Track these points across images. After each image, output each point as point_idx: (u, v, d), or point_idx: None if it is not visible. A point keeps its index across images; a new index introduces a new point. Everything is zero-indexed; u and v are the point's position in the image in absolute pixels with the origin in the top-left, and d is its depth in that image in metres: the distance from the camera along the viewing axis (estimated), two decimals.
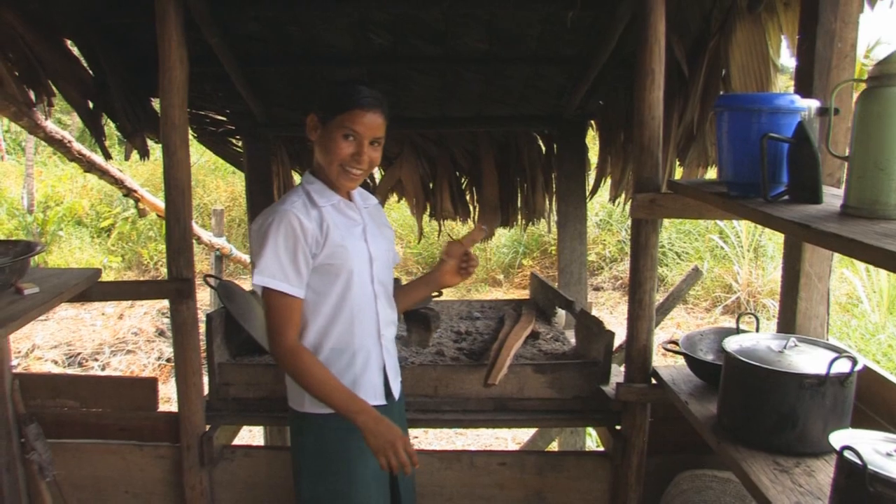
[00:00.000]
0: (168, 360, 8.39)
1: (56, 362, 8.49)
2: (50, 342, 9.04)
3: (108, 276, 11.72)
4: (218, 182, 14.26)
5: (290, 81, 3.96)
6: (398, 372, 2.51)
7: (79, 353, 8.69)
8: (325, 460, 2.31)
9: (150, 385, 3.00)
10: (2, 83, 3.50)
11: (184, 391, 2.83)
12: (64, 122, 15.68)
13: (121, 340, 9.07)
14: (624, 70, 3.71)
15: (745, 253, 10.27)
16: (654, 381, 2.75)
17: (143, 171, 13.65)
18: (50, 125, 4.48)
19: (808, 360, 2.04)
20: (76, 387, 3.03)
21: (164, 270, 11.86)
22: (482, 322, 3.71)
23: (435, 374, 2.91)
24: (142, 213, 7.28)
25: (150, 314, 9.65)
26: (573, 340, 3.39)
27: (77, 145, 4.98)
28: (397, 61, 3.77)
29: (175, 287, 2.73)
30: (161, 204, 6.09)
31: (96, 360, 8.56)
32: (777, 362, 2.04)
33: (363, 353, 2.33)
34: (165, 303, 9.54)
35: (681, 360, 2.67)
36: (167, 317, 9.39)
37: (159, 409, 3.05)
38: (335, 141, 2.23)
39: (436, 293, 3.83)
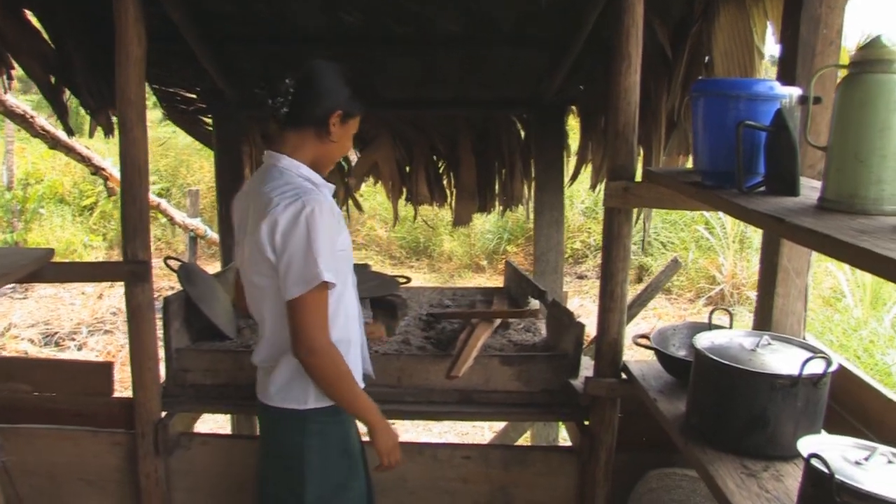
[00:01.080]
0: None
1: (32, 341, 8.35)
2: (27, 321, 8.90)
3: (90, 256, 11.60)
4: (202, 162, 14.06)
5: (261, 61, 3.84)
6: None
7: (56, 333, 8.55)
8: (329, 456, 2.23)
9: (105, 370, 2.90)
10: None
11: (139, 377, 2.73)
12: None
13: (99, 320, 8.95)
14: (604, 54, 3.61)
15: (731, 244, 10.21)
16: (624, 376, 2.66)
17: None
18: (10, 99, 4.34)
19: (780, 360, 1.96)
20: (30, 371, 2.92)
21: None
22: (454, 310, 3.62)
23: (398, 364, 2.82)
24: (111, 193, 7.15)
25: None
26: (541, 329, 3.32)
27: (41, 121, 4.82)
28: (371, 42, 3.65)
29: (130, 269, 2.61)
30: None
31: (73, 339, 8.43)
32: (748, 361, 1.96)
33: (354, 340, 2.29)
34: (162, 282, 9.47)
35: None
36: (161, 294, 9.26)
37: (116, 395, 2.95)
38: (348, 139, 2.24)
39: (404, 279, 3.76)
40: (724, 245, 10.29)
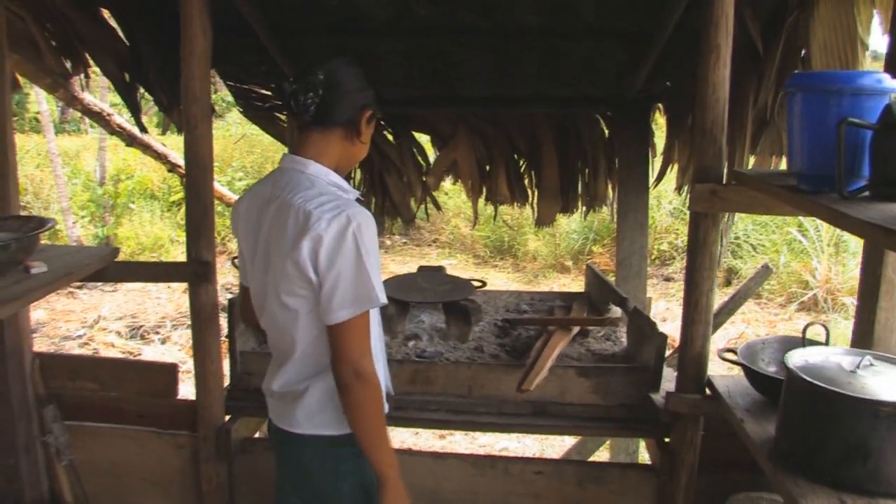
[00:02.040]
0: (227, 338, 8.35)
1: (119, 334, 8.54)
2: (116, 314, 9.11)
3: (177, 251, 11.84)
4: None
5: (333, 55, 3.75)
6: None
7: (141, 326, 8.73)
8: (363, 482, 2.07)
9: (170, 371, 2.86)
10: (39, 53, 3.39)
11: (202, 380, 2.68)
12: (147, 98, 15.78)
13: (183, 315, 9.07)
14: (691, 47, 3.40)
15: (825, 247, 9.77)
16: (708, 392, 2.48)
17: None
18: (88, 97, 4.38)
19: (885, 384, 1.76)
20: (96, 369, 2.91)
21: (231, 246, 11.90)
22: (530, 317, 3.47)
23: (469, 373, 2.70)
24: None
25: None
26: (621, 337, 3.16)
27: (118, 118, 4.87)
28: (444, 35, 3.52)
29: (193, 270, 2.56)
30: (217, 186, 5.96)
31: (157, 333, 8.58)
32: (848, 384, 1.77)
33: (380, 357, 2.14)
34: (231, 278, 9.60)
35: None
36: (232, 292, 9.37)
37: (180, 396, 2.92)
38: (367, 142, 2.12)
39: (480, 283, 3.62)
40: (817, 248, 9.85)
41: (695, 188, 2.34)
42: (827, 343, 2.20)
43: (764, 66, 3.08)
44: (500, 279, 11.13)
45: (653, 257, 11.10)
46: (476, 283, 3.50)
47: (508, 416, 2.69)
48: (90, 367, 2.94)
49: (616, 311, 3.44)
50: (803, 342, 2.19)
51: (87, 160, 14.18)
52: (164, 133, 4.01)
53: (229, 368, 2.81)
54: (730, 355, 2.41)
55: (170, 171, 6.55)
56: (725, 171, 2.40)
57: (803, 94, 1.85)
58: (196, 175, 2.54)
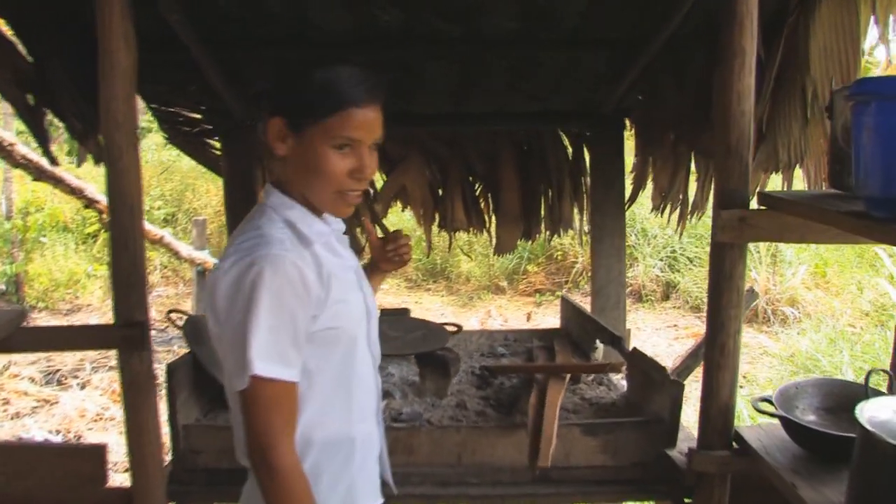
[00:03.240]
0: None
1: (33, 380, 7.89)
2: (28, 357, 8.41)
3: (94, 285, 11.25)
4: (209, 186, 13.56)
5: (274, 72, 3.31)
6: None
7: (58, 370, 8.11)
8: None
9: (96, 455, 2.35)
10: None
11: (139, 463, 2.19)
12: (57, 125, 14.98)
13: (103, 355, 8.47)
14: (674, 55, 3.10)
15: (763, 259, 9.77)
16: (735, 445, 2.15)
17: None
18: None
19: None
20: (2, 457, 2.39)
21: (152, 279, 11.29)
22: (508, 360, 3.11)
23: (458, 439, 2.31)
24: (107, 227, 6.64)
25: None
26: (615, 380, 2.82)
27: (22, 149, 4.30)
28: (409, 45, 3.13)
29: (122, 335, 2.08)
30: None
31: (76, 377, 7.97)
32: None
33: (362, 440, 1.73)
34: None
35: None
36: (155, 329, 8.75)
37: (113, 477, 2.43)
38: (325, 158, 1.58)
39: (455, 327, 3.22)
40: (755, 260, 9.85)
41: (720, 215, 2.02)
42: (891, 391, 1.89)
43: (764, 74, 2.80)
44: (434, 303, 10.83)
45: (581, 279, 10.91)
46: (451, 329, 3.09)
47: (505, 485, 2.31)
48: None
49: (600, 350, 3.10)
50: (866, 393, 1.87)
51: None
52: (79, 165, 3.48)
53: (171, 445, 2.35)
54: (765, 406, 2.08)
55: (86, 207, 5.94)
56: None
57: (880, 103, 1.52)
58: (122, 218, 2.06)
